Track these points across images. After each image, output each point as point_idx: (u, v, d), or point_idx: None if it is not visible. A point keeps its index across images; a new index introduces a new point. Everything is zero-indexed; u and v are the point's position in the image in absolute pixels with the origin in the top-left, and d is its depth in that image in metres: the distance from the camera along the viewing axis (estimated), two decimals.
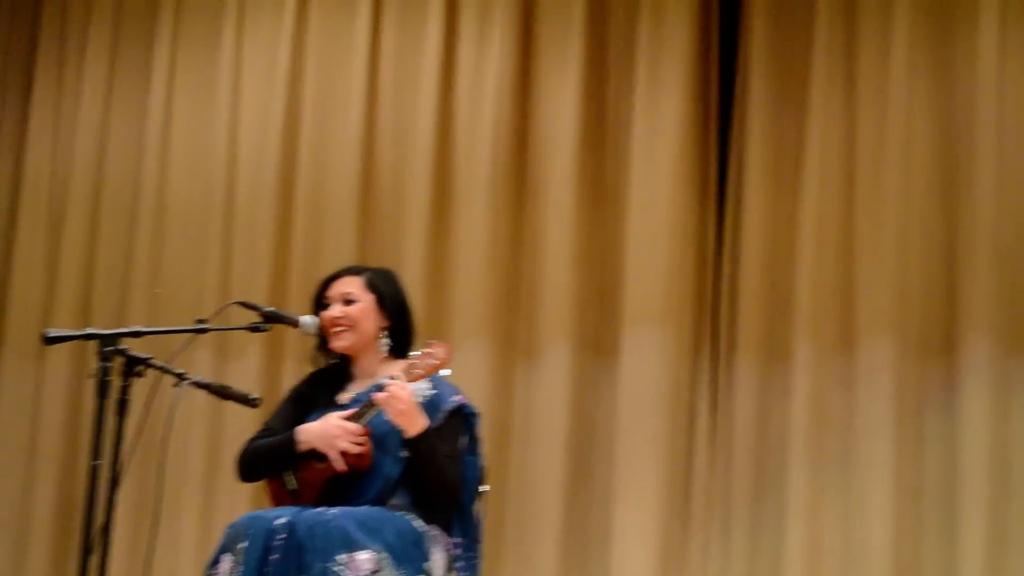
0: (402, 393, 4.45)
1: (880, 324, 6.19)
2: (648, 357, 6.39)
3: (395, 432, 4.56)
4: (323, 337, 4.84)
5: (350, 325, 4.75)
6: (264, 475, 4.75)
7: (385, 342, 4.80)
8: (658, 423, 6.33)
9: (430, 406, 4.63)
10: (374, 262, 6.32)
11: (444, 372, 4.52)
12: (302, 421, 4.68)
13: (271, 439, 4.71)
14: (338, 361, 4.85)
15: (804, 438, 6.17)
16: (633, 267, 6.49)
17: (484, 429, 6.00)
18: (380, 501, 4.56)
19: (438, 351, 4.50)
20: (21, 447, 7.08)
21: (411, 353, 4.59)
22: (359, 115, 6.93)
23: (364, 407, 4.55)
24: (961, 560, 5.96)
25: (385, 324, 4.81)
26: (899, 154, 6.23)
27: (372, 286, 4.80)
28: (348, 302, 4.77)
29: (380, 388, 4.50)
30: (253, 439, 4.79)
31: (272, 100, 7.05)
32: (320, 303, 4.82)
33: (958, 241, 6.18)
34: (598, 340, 6.61)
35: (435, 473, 4.54)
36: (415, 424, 4.50)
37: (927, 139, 6.24)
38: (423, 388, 4.65)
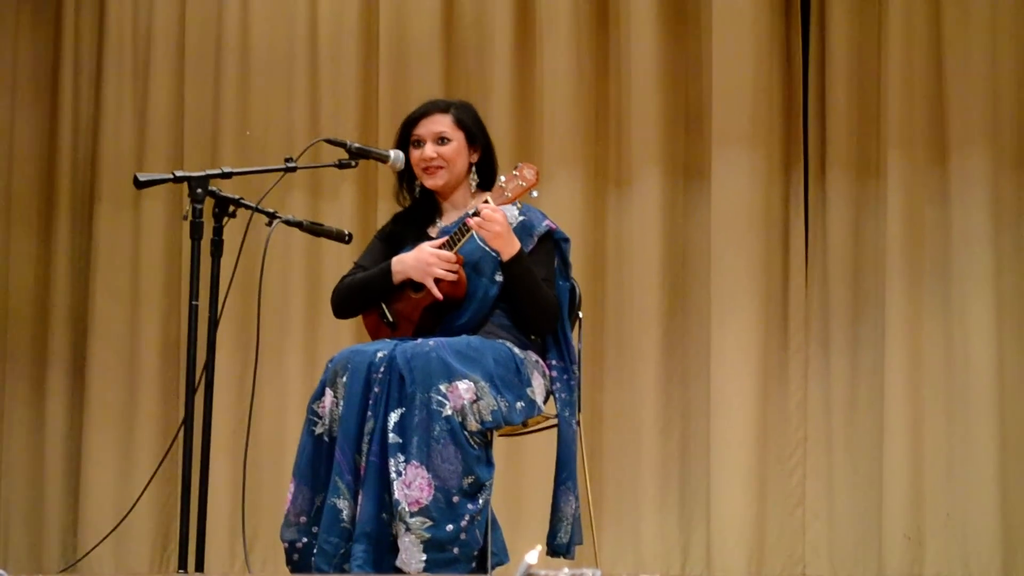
0: (496, 215, 4.46)
1: (973, 136, 6.11)
2: (739, 178, 6.34)
3: (489, 256, 4.59)
4: (405, 173, 4.84)
5: (444, 164, 4.75)
6: (360, 310, 4.79)
7: (474, 177, 4.81)
8: (752, 243, 6.31)
9: (522, 230, 4.65)
10: (459, 95, 6.36)
11: (533, 194, 4.50)
12: (393, 257, 4.71)
13: (366, 273, 4.74)
14: (422, 197, 4.86)
15: (900, 253, 6.12)
16: (720, 88, 6.41)
17: (579, 258, 6.08)
18: (477, 326, 4.60)
19: (527, 173, 4.49)
20: (124, 293, 7.17)
21: (499, 177, 4.58)
22: None
23: (457, 233, 4.57)
24: None
25: (474, 159, 4.81)
26: None
27: (461, 123, 4.79)
28: (441, 140, 4.76)
29: (473, 215, 4.51)
30: (345, 277, 4.83)
31: None
32: (407, 139, 4.81)
33: None
34: (688, 163, 6.58)
35: (532, 295, 4.56)
36: (510, 246, 4.51)
37: None
38: (513, 214, 4.65)
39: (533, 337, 4.67)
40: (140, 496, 5.49)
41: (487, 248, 4.57)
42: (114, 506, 6.89)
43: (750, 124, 6.36)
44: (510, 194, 4.49)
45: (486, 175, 4.82)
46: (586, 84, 6.65)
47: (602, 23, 6.70)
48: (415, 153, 4.77)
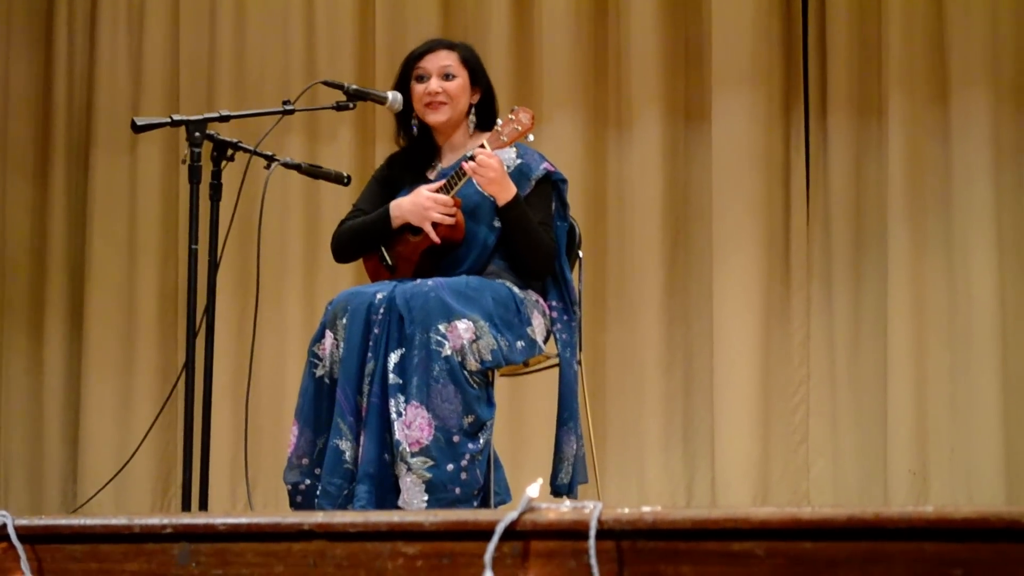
0: (491, 161, 4.44)
1: (973, 74, 6.08)
2: (739, 118, 6.33)
3: (487, 201, 4.57)
4: (403, 114, 4.81)
5: (447, 100, 4.72)
6: (360, 253, 4.79)
7: (473, 118, 4.78)
8: (753, 183, 6.29)
9: (519, 174, 4.63)
10: (457, 37, 6.32)
11: (529, 138, 4.48)
12: (390, 200, 4.69)
13: (365, 217, 4.72)
14: (419, 139, 4.83)
15: (901, 190, 6.11)
16: (719, 28, 6.39)
17: (579, 200, 6.06)
18: (476, 270, 4.59)
19: (522, 116, 4.46)
20: (121, 238, 7.17)
21: (496, 122, 4.56)
22: None
23: (453, 177, 4.55)
24: None
25: (474, 100, 4.79)
26: None
27: (466, 61, 4.77)
28: (447, 76, 4.73)
29: (469, 159, 4.49)
30: (344, 221, 4.81)
31: None
32: (409, 75, 4.78)
33: None
34: (688, 104, 6.56)
35: (529, 239, 4.54)
36: (506, 191, 4.50)
37: None
38: (511, 156, 4.64)
39: (531, 280, 4.65)
40: (142, 441, 5.49)
41: (484, 193, 4.55)
42: (114, 453, 6.91)
43: (750, 64, 6.34)
44: (506, 138, 4.47)
45: (485, 117, 4.79)
46: (584, 25, 6.63)
47: None
48: (418, 87, 4.74)
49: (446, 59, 4.75)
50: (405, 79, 4.77)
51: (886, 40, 6.21)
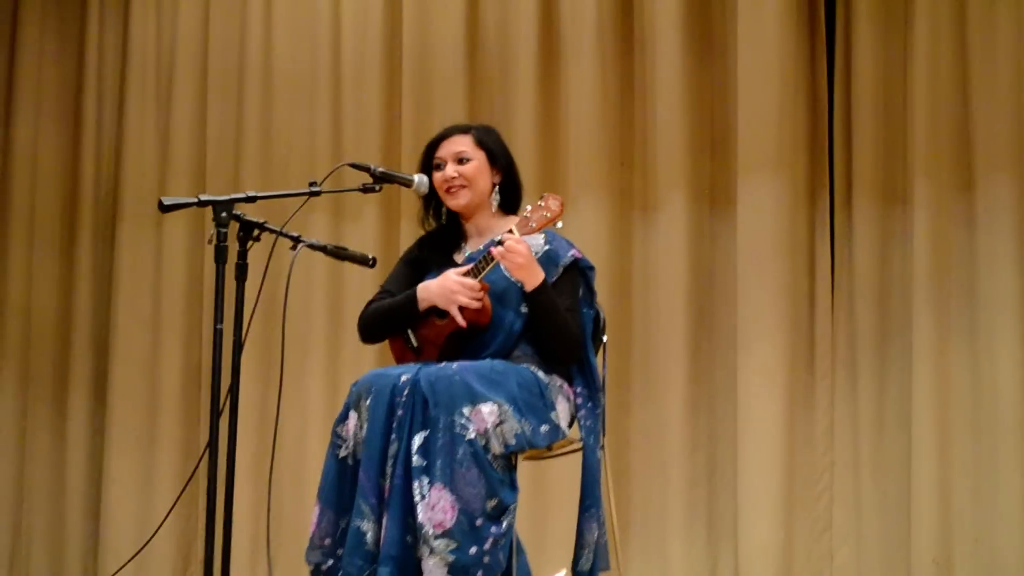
0: (519, 247, 4.45)
1: (999, 162, 6.09)
2: (765, 204, 6.33)
3: (515, 286, 4.58)
4: (430, 198, 4.84)
5: (465, 184, 4.75)
6: (386, 335, 4.79)
7: (496, 198, 4.80)
8: (778, 269, 6.30)
9: (547, 260, 4.64)
10: (483, 119, 6.43)
11: (558, 224, 4.50)
12: (418, 282, 4.71)
13: (392, 300, 4.73)
14: (447, 222, 4.87)
15: (927, 279, 6.10)
16: (745, 115, 6.40)
17: (605, 283, 6.07)
18: (502, 355, 4.58)
19: (552, 203, 4.48)
20: (146, 315, 7.20)
21: (524, 207, 4.57)
22: None
23: (481, 262, 4.56)
24: None
25: (496, 180, 4.81)
26: None
27: (481, 143, 4.80)
28: (461, 160, 4.76)
29: (497, 243, 4.50)
30: (371, 302, 4.82)
31: None
32: (430, 164, 4.81)
33: None
34: (714, 189, 6.57)
35: (556, 326, 4.55)
36: (534, 277, 4.51)
37: None
38: (539, 243, 4.66)
39: (557, 366, 4.65)
40: (165, 518, 5.47)
41: (511, 278, 4.56)
42: (135, 529, 6.90)
43: (776, 150, 6.35)
44: (535, 224, 4.48)
45: (509, 197, 4.82)
46: (611, 109, 6.65)
47: (627, 47, 6.70)
48: (437, 176, 4.78)
49: (460, 144, 4.78)
50: (427, 166, 4.81)
51: (911, 127, 6.23)
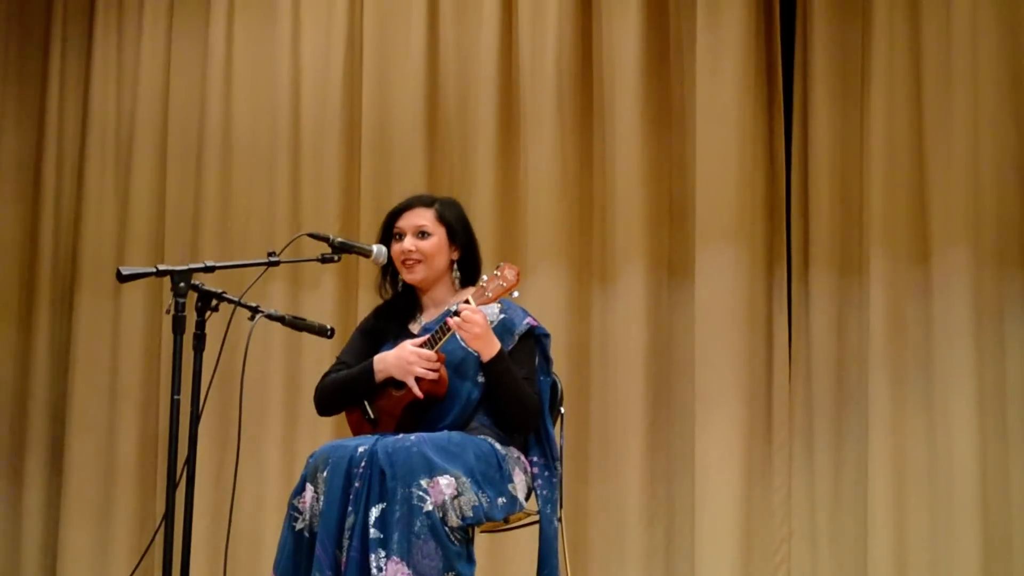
0: (476, 317, 4.46)
1: (954, 233, 6.10)
2: (722, 274, 6.34)
3: (472, 356, 4.59)
4: (388, 267, 4.85)
5: (423, 259, 4.75)
6: (343, 407, 4.78)
7: (456, 274, 4.81)
8: (736, 339, 6.30)
9: (502, 328, 4.65)
10: (443, 189, 6.40)
11: (514, 294, 4.51)
12: (374, 353, 4.71)
13: (348, 371, 4.73)
14: (404, 292, 4.87)
15: (883, 349, 6.12)
16: (703, 185, 6.42)
17: (562, 352, 6.07)
18: (460, 426, 4.58)
19: (508, 273, 4.48)
20: (102, 384, 7.18)
21: (481, 277, 4.58)
22: (421, 43, 6.91)
23: (438, 332, 4.56)
24: None
25: (455, 256, 4.82)
26: (967, 60, 6.13)
27: (443, 218, 4.80)
28: (422, 234, 4.76)
29: (452, 313, 4.50)
30: (327, 374, 4.81)
31: (333, 31, 7.07)
32: (389, 234, 4.82)
33: None
34: (672, 259, 6.58)
35: (513, 395, 4.55)
36: (490, 347, 4.51)
37: (995, 46, 6.13)
38: (494, 311, 4.65)
39: (515, 435, 4.64)
40: None
41: (468, 348, 4.56)
42: None
43: (734, 220, 6.36)
44: (491, 294, 4.49)
45: (468, 272, 4.83)
46: (570, 179, 6.67)
47: (586, 119, 6.72)
48: (396, 246, 4.78)
49: (422, 217, 4.79)
50: (387, 235, 4.81)
51: (868, 199, 6.25)
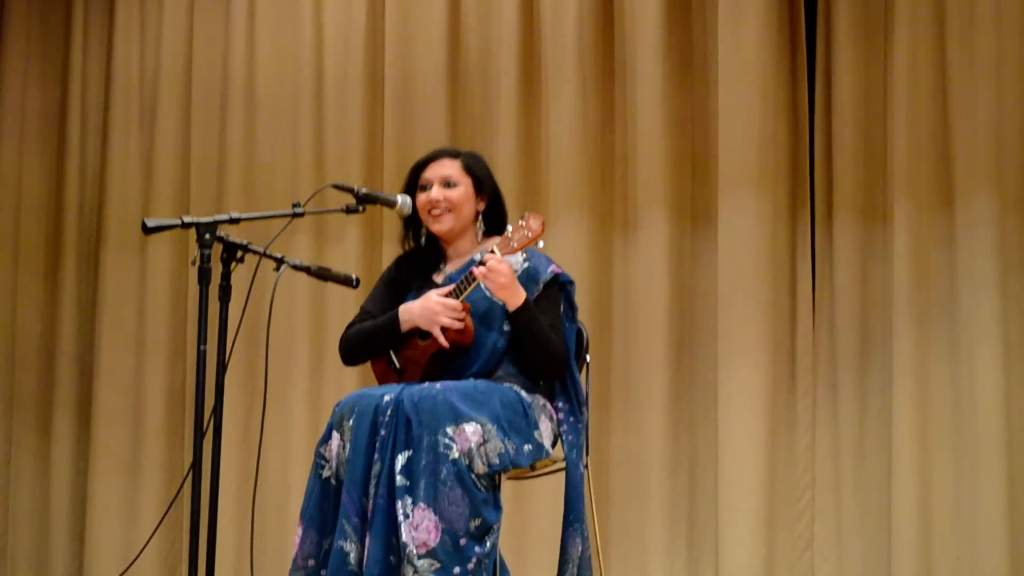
0: (501, 267, 4.46)
1: (979, 181, 6.08)
2: (746, 223, 6.33)
3: (497, 306, 4.60)
4: (411, 219, 4.86)
5: (450, 208, 4.76)
6: (368, 357, 4.80)
7: (481, 226, 4.82)
8: (759, 288, 6.30)
9: (527, 277, 4.65)
10: (465, 142, 6.42)
11: (539, 244, 4.51)
12: (399, 303, 4.72)
13: (374, 321, 4.74)
14: (427, 244, 4.88)
15: (907, 297, 6.11)
16: (726, 135, 6.41)
17: (586, 302, 6.07)
18: (485, 375, 4.59)
19: (533, 223, 4.48)
20: (129, 337, 7.21)
21: (506, 227, 4.59)
22: None
23: (463, 282, 4.57)
24: None
25: (481, 207, 4.83)
26: (991, 6, 6.09)
27: (469, 170, 4.81)
28: (448, 185, 4.77)
29: (478, 263, 4.52)
30: (352, 324, 4.83)
31: None
32: (415, 184, 4.83)
33: None
34: (694, 208, 6.58)
35: (539, 344, 4.56)
36: (516, 296, 4.52)
37: None
38: (518, 260, 4.66)
39: (541, 383, 4.66)
40: (148, 541, 5.48)
41: (493, 298, 4.57)
42: (120, 551, 6.90)
43: (757, 169, 6.35)
44: (516, 244, 4.49)
45: (493, 224, 4.84)
46: (592, 129, 6.66)
47: (608, 69, 6.71)
48: (421, 196, 4.78)
49: (448, 168, 4.79)
50: (412, 187, 4.82)
51: (891, 145, 6.23)
